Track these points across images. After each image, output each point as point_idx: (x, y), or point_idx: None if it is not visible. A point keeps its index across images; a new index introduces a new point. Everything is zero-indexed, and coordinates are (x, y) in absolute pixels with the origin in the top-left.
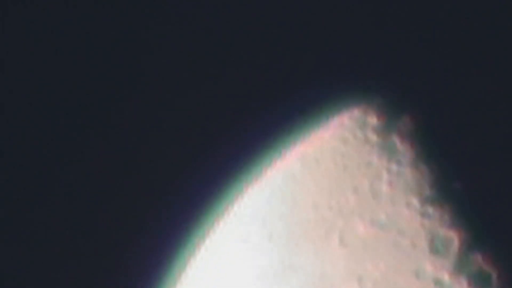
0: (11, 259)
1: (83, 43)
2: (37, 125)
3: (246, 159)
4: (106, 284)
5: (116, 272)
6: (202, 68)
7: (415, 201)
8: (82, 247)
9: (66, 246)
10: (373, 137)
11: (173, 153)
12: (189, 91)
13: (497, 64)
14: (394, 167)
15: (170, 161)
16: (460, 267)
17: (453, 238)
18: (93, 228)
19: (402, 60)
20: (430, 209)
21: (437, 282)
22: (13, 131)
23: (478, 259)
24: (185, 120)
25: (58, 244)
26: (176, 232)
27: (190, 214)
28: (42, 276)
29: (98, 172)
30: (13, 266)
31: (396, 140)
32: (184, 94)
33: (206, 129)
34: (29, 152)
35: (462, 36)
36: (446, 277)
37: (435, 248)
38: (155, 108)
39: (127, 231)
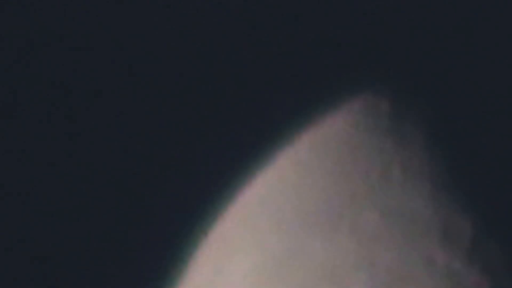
0: (12, 257)
1: (82, 41)
2: (39, 124)
3: (256, 147)
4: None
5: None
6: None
7: (427, 188)
8: (88, 246)
9: (65, 247)
10: (385, 123)
11: (180, 140)
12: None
13: (507, 52)
14: (406, 153)
15: (177, 147)
16: (472, 255)
17: (466, 226)
18: (97, 226)
19: (415, 45)
20: (442, 196)
21: (449, 270)
22: (13, 130)
23: (491, 248)
24: (189, 109)
25: (56, 244)
26: (184, 218)
27: (199, 201)
28: (41, 276)
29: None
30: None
31: (408, 126)
32: (196, 80)
33: (214, 117)
34: (32, 150)
35: (475, 23)
36: (458, 266)
37: (448, 236)
38: (153, 101)
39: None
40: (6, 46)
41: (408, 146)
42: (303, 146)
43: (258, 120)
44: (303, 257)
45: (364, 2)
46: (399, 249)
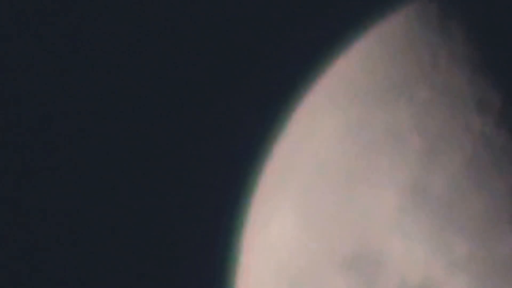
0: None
1: (82, 41)
2: (73, 126)
3: (334, 38)
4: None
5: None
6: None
7: (467, 70)
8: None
9: (124, 250)
10: (435, 21)
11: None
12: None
13: None
14: (451, 44)
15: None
16: (500, 121)
17: (496, 98)
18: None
19: None
20: (478, 77)
21: (482, 133)
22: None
23: None
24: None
25: (106, 251)
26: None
27: (286, 75)
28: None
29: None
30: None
31: (454, 23)
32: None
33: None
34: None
35: None
36: (489, 130)
37: (481, 106)
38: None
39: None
40: (6, 46)
41: (453, 39)
42: (372, 39)
43: (335, 21)
44: (371, 122)
45: None
46: (444, 117)
